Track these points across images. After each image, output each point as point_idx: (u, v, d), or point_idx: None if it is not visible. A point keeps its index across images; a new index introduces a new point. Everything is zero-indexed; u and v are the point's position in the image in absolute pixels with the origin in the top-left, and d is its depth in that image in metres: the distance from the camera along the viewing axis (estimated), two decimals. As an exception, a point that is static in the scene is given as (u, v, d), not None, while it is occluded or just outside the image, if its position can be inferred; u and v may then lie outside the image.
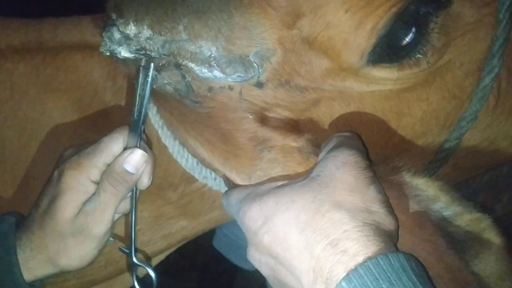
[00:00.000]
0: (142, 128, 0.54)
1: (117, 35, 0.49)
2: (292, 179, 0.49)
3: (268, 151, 0.51)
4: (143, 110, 0.53)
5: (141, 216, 0.65)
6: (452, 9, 0.49)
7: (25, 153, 0.63)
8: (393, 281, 0.37)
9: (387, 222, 0.42)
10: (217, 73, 0.47)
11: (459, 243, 0.46)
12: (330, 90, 0.50)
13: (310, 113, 0.52)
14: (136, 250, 0.59)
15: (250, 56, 0.47)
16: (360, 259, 0.38)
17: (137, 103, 0.53)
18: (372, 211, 0.42)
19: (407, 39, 0.47)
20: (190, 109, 0.52)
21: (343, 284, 0.38)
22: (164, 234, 0.69)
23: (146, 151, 0.55)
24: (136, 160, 0.54)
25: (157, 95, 0.54)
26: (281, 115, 0.52)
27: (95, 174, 0.54)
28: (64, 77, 0.62)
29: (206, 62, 0.47)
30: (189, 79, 0.49)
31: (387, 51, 0.47)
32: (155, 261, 0.76)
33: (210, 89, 0.49)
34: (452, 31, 0.50)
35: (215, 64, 0.47)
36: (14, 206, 0.63)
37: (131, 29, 0.48)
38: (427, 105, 0.54)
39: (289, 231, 0.42)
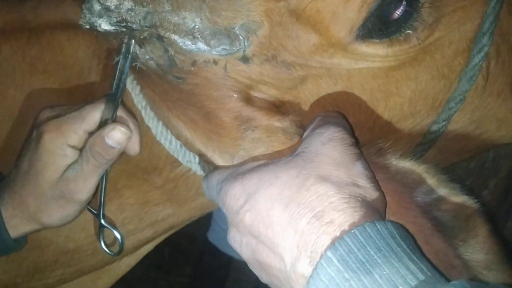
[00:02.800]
0: (119, 101, 0.55)
1: (97, 7, 0.47)
2: (276, 158, 0.48)
3: (252, 130, 0.50)
4: (121, 84, 0.53)
5: (127, 203, 0.65)
6: None
7: (14, 137, 0.63)
8: (381, 247, 0.36)
9: (374, 197, 0.41)
10: (201, 45, 0.46)
11: (446, 228, 0.45)
12: (318, 67, 0.49)
13: (297, 91, 0.51)
14: (104, 213, 0.61)
15: (236, 29, 0.45)
16: (346, 227, 0.37)
17: (116, 77, 0.53)
18: (359, 185, 0.41)
19: (398, 12, 0.46)
20: (173, 86, 0.51)
21: (329, 254, 0.36)
22: (150, 222, 0.68)
23: (129, 121, 0.56)
24: (118, 136, 0.54)
25: (141, 73, 0.53)
26: (267, 94, 0.51)
27: (73, 140, 0.55)
28: (50, 58, 0.61)
29: (190, 33, 0.45)
30: (172, 53, 0.47)
31: (377, 25, 0.46)
32: (143, 251, 0.75)
33: (193, 63, 0.47)
34: (443, 6, 0.49)
35: (199, 36, 0.45)
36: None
37: (112, 1, 0.46)
38: (415, 85, 0.53)
39: (272, 207, 0.41)
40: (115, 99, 0.54)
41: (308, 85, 0.51)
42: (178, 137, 0.58)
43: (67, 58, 0.61)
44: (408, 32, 0.47)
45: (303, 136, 0.48)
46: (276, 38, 0.47)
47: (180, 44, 0.46)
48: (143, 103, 0.57)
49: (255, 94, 0.50)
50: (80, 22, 0.49)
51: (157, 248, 0.81)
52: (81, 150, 0.56)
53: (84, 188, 0.56)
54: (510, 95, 0.58)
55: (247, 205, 0.43)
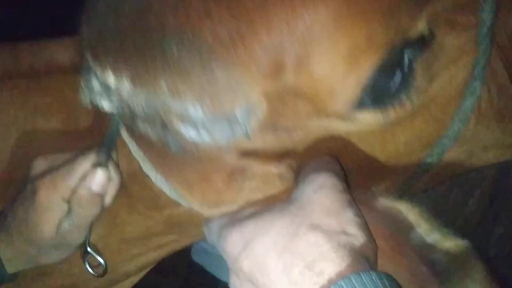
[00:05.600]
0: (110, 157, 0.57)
1: (96, 85, 0.47)
2: (272, 203, 0.49)
3: (249, 180, 0.51)
4: (112, 143, 0.56)
5: (130, 236, 0.66)
6: (435, 44, 0.49)
7: (18, 174, 0.63)
8: None
9: (364, 245, 0.43)
10: (203, 134, 0.46)
11: (442, 271, 0.47)
12: (316, 128, 0.50)
13: (297, 148, 0.52)
14: (89, 241, 0.63)
15: (236, 113, 0.45)
16: (334, 277, 0.39)
17: (108, 132, 0.55)
18: (348, 233, 0.42)
19: (392, 84, 0.47)
20: (169, 154, 0.51)
21: None
22: (154, 247, 0.70)
23: (114, 175, 0.58)
24: (99, 179, 0.56)
25: (137, 133, 0.53)
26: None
27: (67, 194, 0.56)
28: (51, 100, 0.62)
29: (192, 122, 0.46)
30: (175, 136, 0.48)
31: (372, 97, 0.47)
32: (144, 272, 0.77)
33: (197, 145, 0.48)
34: (435, 65, 0.50)
35: (201, 126, 0.46)
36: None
37: (110, 78, 0.46)
38: (411, 131, 0.54)
39: (268, 255, 0.43)
40: (106, 152, 0.56)
41: (308, 142, 0.52)
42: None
43: (67, 99, 0.61)
44: (403, 98, 0.49)
45: (298, 181, 0.49)
46: (275, 111, 0.47)
47: (184, 132, 0.47)
48: (141, 155, 0.57)
49: None
50: (81, 99, 0.48)
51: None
52: None
53: (80, 236, 0.60)
54: (496, 125, 0.60)
55: (245, 253, 0.45)
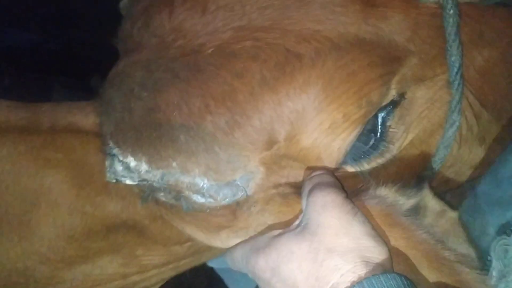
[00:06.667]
0: None
1: (119, 167, 0.55)
2: (283, 225, 0.55)
3: (254, 206, 0.57)
4: None
5: (150, 263, 0.73)
6: (406, 101, 0.55)
7: (27, 218, 0.68)
8: None
9: (377, 253, 0.47)
10: (210, 200, 0.54)
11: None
12: None
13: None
14: None
15: (237, 181, 0.53)
16: None
17: None
18: (361, 248, 0.46)
19: (368, 145, 0.54)
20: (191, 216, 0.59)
21: None
22: (173, 267, 0.77)
23: None
24: None
25: None
26: None
27: None
28: (63, 156, 0.67)
29: (200, 192, 0.53)
30: (186, 201, 0.55)
31: (352, 157, 0.54)
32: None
33: (208, 208, 0.56)
34: (410, 114, 0.56)
35: (207, 194, 0.53)
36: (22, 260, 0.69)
37: (131, 160, 0.54)
38: (400, 162, 0.60)
39: (296, 279, 0.48)
40: None
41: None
42: None
43: (78, 158, 0.67)
44: (382, 150, 0.55)
45: (302, 205, 0.54)
46: (273, 174, 0.54)
47: (194, 199, 0.54)
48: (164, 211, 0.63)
49: None
50: (107, 179, 0.56)
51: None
52: None
53: None
54: (479, 148, 0.65)
55: (275, 278, 0.50)
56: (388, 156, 0.56)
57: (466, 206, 0.57)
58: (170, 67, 0.51)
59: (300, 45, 0.49)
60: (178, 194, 0.55)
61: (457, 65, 0.56)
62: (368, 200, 0.53)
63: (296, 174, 0.55)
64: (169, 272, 0.78)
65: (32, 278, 0.70)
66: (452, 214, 0.57)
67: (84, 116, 0.66)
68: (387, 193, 0.54)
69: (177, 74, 0.51)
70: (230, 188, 0.53)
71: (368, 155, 0.55)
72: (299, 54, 0.49)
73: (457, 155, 0.64)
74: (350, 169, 0.56)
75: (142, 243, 0.70)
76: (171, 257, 0.73)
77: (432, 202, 0.58)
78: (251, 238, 0.58)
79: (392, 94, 0.53)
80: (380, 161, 0.56)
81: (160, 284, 0.82)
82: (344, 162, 0.54)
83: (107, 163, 0.56)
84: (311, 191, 0.51)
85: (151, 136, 0.52)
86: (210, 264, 1.42)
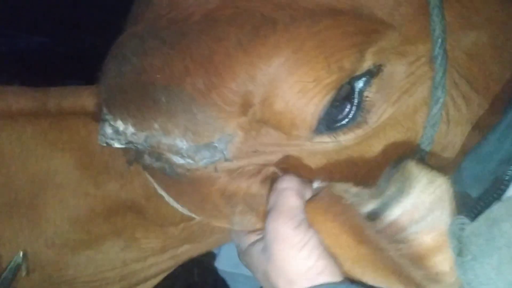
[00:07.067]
0: None
1: (109, 130, 0.58)
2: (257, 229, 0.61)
3: (238, 204, 0.60)
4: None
5: (146, 247, 0.75)
6: (385, 73, 0.56)
7: (35, 201, 0.71)
8: None
9: (325, 276, 0.53)
10: (189, 160, 0.56)
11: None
12: (294, 148, 0.58)
13: (284, 164, 0.60)
14: None
15: (215, 142, 0.55)
16: None
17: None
18: (312, 278, 0.53)
19: (344, 113, 0.56)
20: (173, 180, 0.60)
21: None
22: (170, 256, 0.79)
23: None
24: None
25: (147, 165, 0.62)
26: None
27: None
28: (68, 138, 0.70)
29: (179, 153, 0.56)
30: (171, 164, 0.58)
31: (327, 124, 0.56)
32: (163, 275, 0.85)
33: (188, 170, 0.58)
34: (388, 90, 0.57)
35: (186, 155, 0.56)
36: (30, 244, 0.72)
37: (120, 124, 0.57)
38: (385, 140, 0.61)
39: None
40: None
41: (290, 159, 0.60)
42: None
43: (82, 139, 0.70)
44: (359, 120, 0.57)
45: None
46: (251, 139, 0.56)
47: (174, 160, 0.57)
48: (153, 180, 0.66)
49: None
50: (99, 142, 0.59)
51: (186, 269, 0.90)
52: None
53: None
54: (473, 132, 0.65)
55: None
56: (366, 127, 0.57)
57: (452, 180, 0.57)
58: (160, 35, 0.55)
59: (277, 12, 0.51)
60: (160, 156, 0.57)
61: (440, 39, 0.57)
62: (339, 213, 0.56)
63: (274, 141, 0.57)
64: (167, 262, 0.80)
65: (39, 263, 0.72)
66: (442, 180, 0.56)
67: (88, 98, 0.70)
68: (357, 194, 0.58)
69: (164, 40, 0.54)
70: (208, 149, 0.55)
71: (344, 124, 0.56)
72: (274, 19, 0.51)
73: (448, 138, 0.64)
74: (326, 139, 0.57)
75: (141, 224, 0.73)
76: (167, 240, 0.75)
77: (415, 170, 0.58)
78: (237, 239, 0.64)
79: (368, 64, 0.54)
80: (358, 132, 0.57)
81: (159, 277, 0.84)
82: (319, 130, 0.56)
83: (99, 127, 0.59)
84: (268, 216, 0.56)
85: (136, 98, 0.55)
86: (216, 265, 1.45)
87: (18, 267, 0.63)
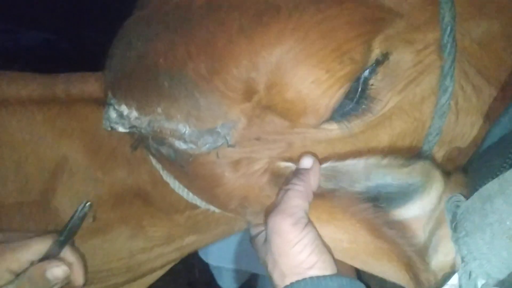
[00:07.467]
0: (66, 243, 0.64)
1: (113, 115, 0.59)
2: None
3: (250, 206, 0.60)
4: (72, 230, 0.64)
5: (153, 236, 0.76)
6: (391, 61, 0.55)
7: (45, 187, 0.72)
8: None
9: (315, 270, 0.53)
10: (191, 146, 0.56)
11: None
12: (298, 136, 0.58)
13: (288, 152, 0.59)
14: None
15: (218, 128, 0.55)
16: None
17: (67, 228, 0.63)
18: (294, 273, 0.53)
19: (351, 104, 0.55)
20: (181, 172, 0.61)
21: None
22: (176, 248, 0.79)
23: (74, 258, 0.64)
24: (59, 274, 0.61)
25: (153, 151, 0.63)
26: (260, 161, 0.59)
27: (14, 266, 0.60)
28: (76, 125, 0.71)
29: (182, 138, 0.56)
30: (174, 149, 0.58)
31: (338, 114, 0.56)
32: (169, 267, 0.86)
33: (191, 155, 0.57)
34: (394, 78, 0.56)
35: (188, 140, 0.56)
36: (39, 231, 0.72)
37: (124, 109, 0.58)
38: (391, 130, 0.60)
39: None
40: (64, 241, 0.63)
41: (295, 148, 0.59)
42: None
43: (90, 125, 0.71)
44: (363, 108, 0.56)
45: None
46: (255, 126, 0.56)
47: (177, 145, 0.57)
48: (160, 166, 0.66)
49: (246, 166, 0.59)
50: (103, 127, 0.60)
51: (187, 266, 0.90)
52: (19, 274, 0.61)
53: None
54: (483, 123, 0.64)
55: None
56: (369, 115, 0.56)
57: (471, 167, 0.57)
58: (164, 19, 0.55)
59: None
60: (162, 141, 0.57)
61: (449, 27, 0.56)
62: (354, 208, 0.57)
63: (278, 129, 0.57)
64: (172, 254, 0.80)
65: None
66: (458, 176, 0.57)
67: (95, 84, 0.70)
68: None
69: (168, 25, 0.54)
70: (211, 135, 0.55)
71: (348, 111, 0.56)
72: (278, 6, 0.50)
73: (457, 130, 0.63)
74: (333, 126, 0.57)
75: (147, 212, 0.73)
76: (173, 228, 0.75)
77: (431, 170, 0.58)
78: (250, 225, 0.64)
79: (376, 53, 0.54)
80: (363, 119, 0.57)
81: (165, 268, 0.84)
82: (331, 118, 0.55)
83: (104, 111, 0.60)
84: (271, 212, 0.56)
85: (140, 82, 0.56)
86: (207, 259, 1.45)
87: (84, 216, 0.65)
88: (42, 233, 0.64)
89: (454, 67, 0.58)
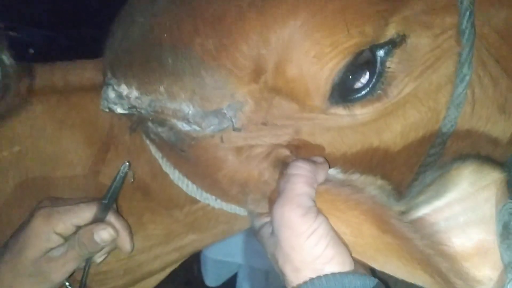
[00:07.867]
0: (110, 208, 0.64)
1: (112, 95, 0.55)
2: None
3: (251, 192, 0.57)
4: (114, 194, 0.64)
5: (153, 233, 0.72)
6: (408, 44, 0.52)
7: (46, 181, 0.70)
8: None
9: (333, 265, 0.49)
10: (195, 127, 0.53)
11: None
12: (307, 122, 0.54)
13: (294, 140, 0.56)
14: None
15: (224, 109, 0.52)
16: None
17: (111, 190, 0.63)
18: (310, 268, 0.49)
19: (362, 81, 0.52)
20: (182, 158, 0.57)
21: None
22: (175, 247, 0.75)
23: (119, 224, 0.64)
24: (105, 236, 0.62)
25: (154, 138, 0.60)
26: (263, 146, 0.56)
27: (60, 228, 0.61)
28: (76, 115, 0.68)
29: (185, 118, 0.52)
30: (175, 131, 0.54)
31: (343, 94, 0.52)
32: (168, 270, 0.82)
33: (193, 138, 0.54)
34: (411, 62, 0.53)
35: (192, 120, 0.52)
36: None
37: (123, 88, 0.54)
38: (404, 119, 0.57)
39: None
40: (108, 203, 0.63)
41: (303, 134, 0.56)
42: None
43: (91, 115, 0.68)
44: (379, 93, 0.53)
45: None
46: (262, 109, 0.53)
47: (179, 126, 0.53)
48: (160, 155, 0.63)
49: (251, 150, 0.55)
50: (101, 108, 0.57)
51: (186, 265, 0.86)
52: (67, 238, 0.62)
53: (61, 270, 0.61)
54: (499, 116, 0.61)
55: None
56: (385, 101, 0.53)
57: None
58: None
59: None
60: (163, 122, 0.54)
61: (468, 12, 0.53)
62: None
63: (286, 113, 0.53)
64: (172, 255, 0.76)
65: None
66: (496, 175, 0.50)
67: (93, 71, 0.67)
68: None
69: (174, 0, 0.51)
70: (217, 116, 0.52)
71: (363, 95, 0.53)
72: None
73: (472, 122, 0.60)
74: (342, 111, 0.53)
75: (147, 208, 0.70)
76: (172, 225, 0.71)
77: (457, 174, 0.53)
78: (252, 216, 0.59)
79: (391, 32, 0.51)
80: (376, 106, 0.53)
81: (165, 271, 0.80)
82: (334, 100, 0.52)
83: (102, 92, 0.56)
84: (276, 201, 0.51)
85: (142, 59, 0.52)
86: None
87: (125, 176, 0.64)
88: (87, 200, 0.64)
89: (473, 54, 0.55)
